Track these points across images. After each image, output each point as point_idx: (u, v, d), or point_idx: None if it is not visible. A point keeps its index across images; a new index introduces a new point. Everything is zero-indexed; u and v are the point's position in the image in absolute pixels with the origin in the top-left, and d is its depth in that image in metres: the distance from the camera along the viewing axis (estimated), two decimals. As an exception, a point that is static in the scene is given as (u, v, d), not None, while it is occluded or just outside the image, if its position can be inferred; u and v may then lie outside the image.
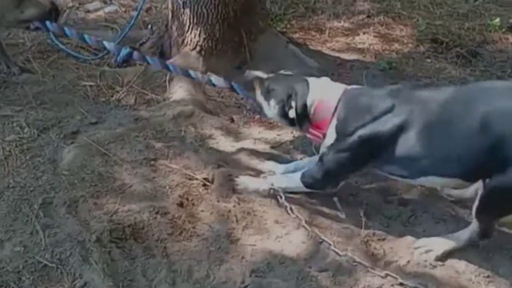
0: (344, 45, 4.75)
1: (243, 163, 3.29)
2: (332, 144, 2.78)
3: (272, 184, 3.00)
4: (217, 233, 2.80)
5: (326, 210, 2.97)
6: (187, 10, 4.04)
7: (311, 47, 4.68)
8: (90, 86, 3.91)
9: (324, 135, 2.82)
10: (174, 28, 4.22)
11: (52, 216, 2.79)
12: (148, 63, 3.50)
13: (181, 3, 4.03)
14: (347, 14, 5.29)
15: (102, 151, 3.20)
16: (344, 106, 2.76)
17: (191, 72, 3.45)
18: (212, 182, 3.09)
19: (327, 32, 4.94)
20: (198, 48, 4.13)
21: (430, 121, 2.55)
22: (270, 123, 3.76)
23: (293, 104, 2.81)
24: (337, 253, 2.70)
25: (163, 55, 4.34)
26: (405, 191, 3.09)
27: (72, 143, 3.26)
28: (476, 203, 2.56)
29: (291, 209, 2.90)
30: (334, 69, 4.36)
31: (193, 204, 2.96)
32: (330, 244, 2.74)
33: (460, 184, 2.66)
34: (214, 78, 3.44)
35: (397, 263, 2.67)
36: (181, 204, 2.94)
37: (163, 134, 3.45)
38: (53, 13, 3.48)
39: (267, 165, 3.26)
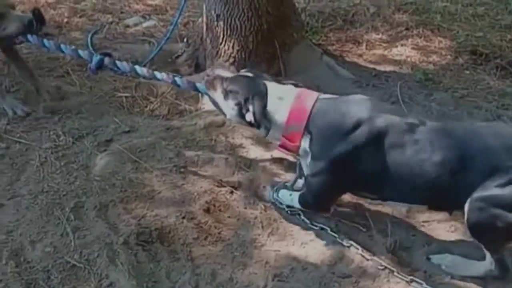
0: (380, 57, 4.71)
1: (271, 172, 3.30)
2: (309, 164, 2.74)
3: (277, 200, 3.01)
4: (242, 239, 2.83)
5: (352, 219, 2.95)
6: (221, 23, 4.10)
7: (347, 59, 4.67)
8: (126, 97, 4.00)
9: (297, 148, 2.76)
10: (208, 40, 4.29)
11: (83, 219, 2.87)
12: (118, 68, 3.41)
13: (215, 16, 4.10)
14: (385, 26, 5.24)
15: (134, 158, 3.28)
16: (316, 122, 2.68)
17: (157, 74, 3.33)
18: (239, 189, 3.11)
19: (364, 44, 4.92)
20: (231, 60, 4.18)
21: (397, 147, 2.54)
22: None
23: (250, 107, 2.74)
24: (364, 257, 2.69)
25: (198, 67, 4.41)
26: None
27: (105, 150, 3.37)
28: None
29: (312, 224, 2.90)
30: (370, 80, 4.34)
31: (220, 210, 2.99)
32: (357, 249, 2.73)
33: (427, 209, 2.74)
34: (179, 79, 3.35)
35: (422, 270, 2.63)
36: (208, 210, 2.97)
37: (194, 143, 3.50)
38: (35, 22, 3.48)
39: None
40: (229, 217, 2.96)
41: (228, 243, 2.80)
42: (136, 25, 5.13)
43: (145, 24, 5.13)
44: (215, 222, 2.90)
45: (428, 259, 2.70)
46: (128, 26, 5.11)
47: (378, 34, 5.09)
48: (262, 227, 2.90)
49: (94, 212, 2.90)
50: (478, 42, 4.89)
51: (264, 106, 2.73)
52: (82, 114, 3.75)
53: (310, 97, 2.76)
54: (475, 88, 4.29)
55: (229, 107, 2.86)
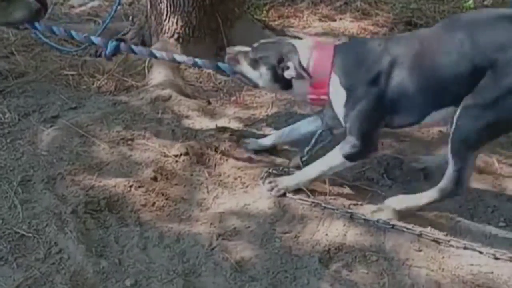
0: (320, 30, 4.88)
1: (217, 140, 3.41)
2: (346, 102, 2.82)
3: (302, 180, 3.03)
4: (188, 203, 2.95)
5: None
6: (164, 0, 4.19)
7: (288, 33, 4.79)
8: (72, 75, 4.04)
9: (326, 95, 2.87)
10: (153, 17, 4.36)
11: (30, 192, 2.91)
12: (134, 53, 3.52)
13: (158, -7, 4.17)
14: (325, 1, 5.42)
15: (81, 133, 3.32)
16: (342, 62, 2.82)
17: (177, 57, 3.46)
18: (186, 157, 3.22)
19: (305, 18, 5.08)
20: (176, 36, 4.27)
21: (417, 59, 2.69)
22: (246, 104, 3.90)
23: (289, 64, 2.84)
24: (304, 200, 2.93)
25: (144, 45, 4.44)
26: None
27: (51, 126, 3.39)
28: (451, 135, 2.66)
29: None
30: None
31: (167, 178, 3.09)
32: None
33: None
34: (199, 60, 3.42)
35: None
36: (155, 179, 3.06)
37: (141, 116, 3.56)
38: (42, 11, 3.46)
39: (250, 142, 3.38)
40: (176, 184, 3.06)
41: (175, 207, 2.91)
42: (81, 5, 5.15)
43: (90, 4, 5.15)
44: (162, 189, 2.99)
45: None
46: (73, 7, 5.13)
47: (318, 9, 5.26)
48: (208, 191, 3.02)
49: (42, 185, 2.94)
50: (413, 13, 5.15)
51: (300, 61, 2.83)
52: (27, 92, 3.75)
53: (328, 45, 2.95)
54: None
55: (262, 74, 2.96)
